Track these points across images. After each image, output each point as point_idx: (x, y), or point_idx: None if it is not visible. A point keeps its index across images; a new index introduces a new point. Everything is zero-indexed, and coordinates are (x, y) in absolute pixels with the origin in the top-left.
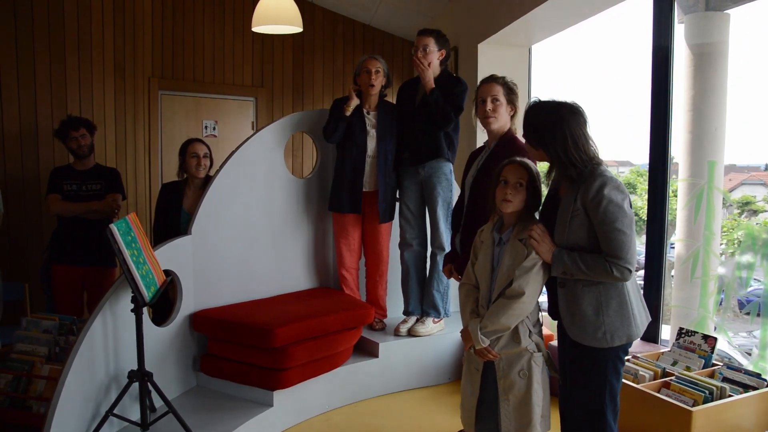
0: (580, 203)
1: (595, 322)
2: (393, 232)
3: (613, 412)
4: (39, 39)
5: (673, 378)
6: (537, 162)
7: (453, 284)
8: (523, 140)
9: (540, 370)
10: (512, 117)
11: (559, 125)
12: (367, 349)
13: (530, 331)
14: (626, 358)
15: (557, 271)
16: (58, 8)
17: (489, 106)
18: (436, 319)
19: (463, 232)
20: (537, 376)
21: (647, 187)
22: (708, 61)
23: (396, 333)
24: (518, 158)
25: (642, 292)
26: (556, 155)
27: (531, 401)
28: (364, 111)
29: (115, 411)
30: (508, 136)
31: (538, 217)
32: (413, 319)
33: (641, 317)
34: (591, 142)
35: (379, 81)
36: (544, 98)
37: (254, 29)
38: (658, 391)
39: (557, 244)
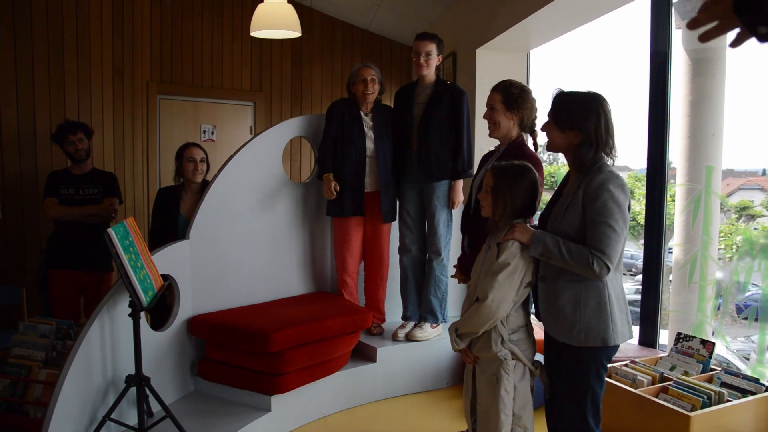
0: (582, 192)
1: (571, 319)
2: (392, 236)
3: (594, 418)
4: (38, 43)
5: (671, 383)
6: (554, 152)
7: (451, 289)
8: (532, 147)
9: (510, 379)
10: (517, 123)
11: (596, 106)
12: (365, 354)
13: (503, 338)
14: (609, 365)
15: (535, 251)
16: (57, 12)
17: (487, 114)
18: (434, 325)
19: (470, 235)
20: (506, 384)
21: (645, 192)
22: (705, 67)
23: (394, 338)
24: (495, 163)
25: (628, 308)
26: (589, 134)
27: (497, 408)
28: (362, 114)
29: (112, 416)
30: (518, 142)
31: (541, 213)
32: (411, 324)
33: (621, 325)
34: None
35: (375, 89)
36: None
37: (253, 34)
38: (656, 396)
39: (548, 229)
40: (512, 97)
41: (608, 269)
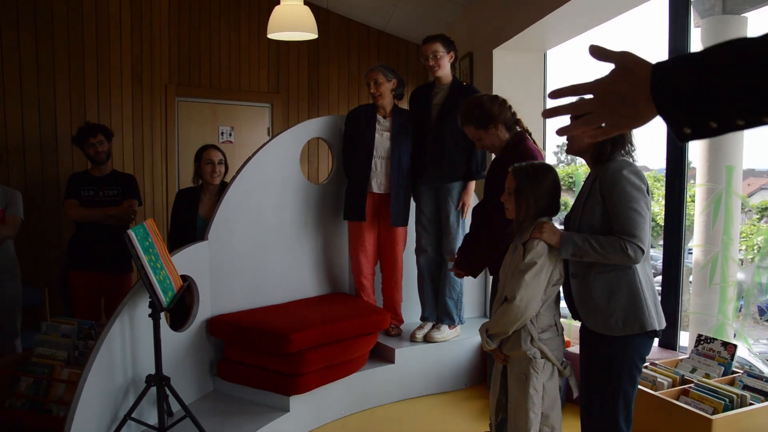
0: (598, 183)
1: (606, 310)
2: (409, 238)
3: (626, 421)
4: (58, 47)
5: (692, 385)
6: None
7: (466, 291)
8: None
9: (539, 377)
10: (502, 129)
11: None
12: (383, 355)
13: (532, 337)
14: (644, 365)
15: (567, 253)
16: (77, 16)
17: (478, 146)
18: (451, 326)
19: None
20: (535, 383)
21: (664, 192)
22: None
23: (412, 339)
24: (514, 165)
25: (659, 297)
26: None
27: (525, 406)
28: (379, 117)
29: (133, 415)
30: (512, 141)
31: (566, 214)
32: (429, 325)
33: (656, 311)
34: None
35: (384, 89)
36: None
37: (270, 36)
38: (677, 399)
39: (570, 227)
40: (477, 119)
41: (642, 252)
